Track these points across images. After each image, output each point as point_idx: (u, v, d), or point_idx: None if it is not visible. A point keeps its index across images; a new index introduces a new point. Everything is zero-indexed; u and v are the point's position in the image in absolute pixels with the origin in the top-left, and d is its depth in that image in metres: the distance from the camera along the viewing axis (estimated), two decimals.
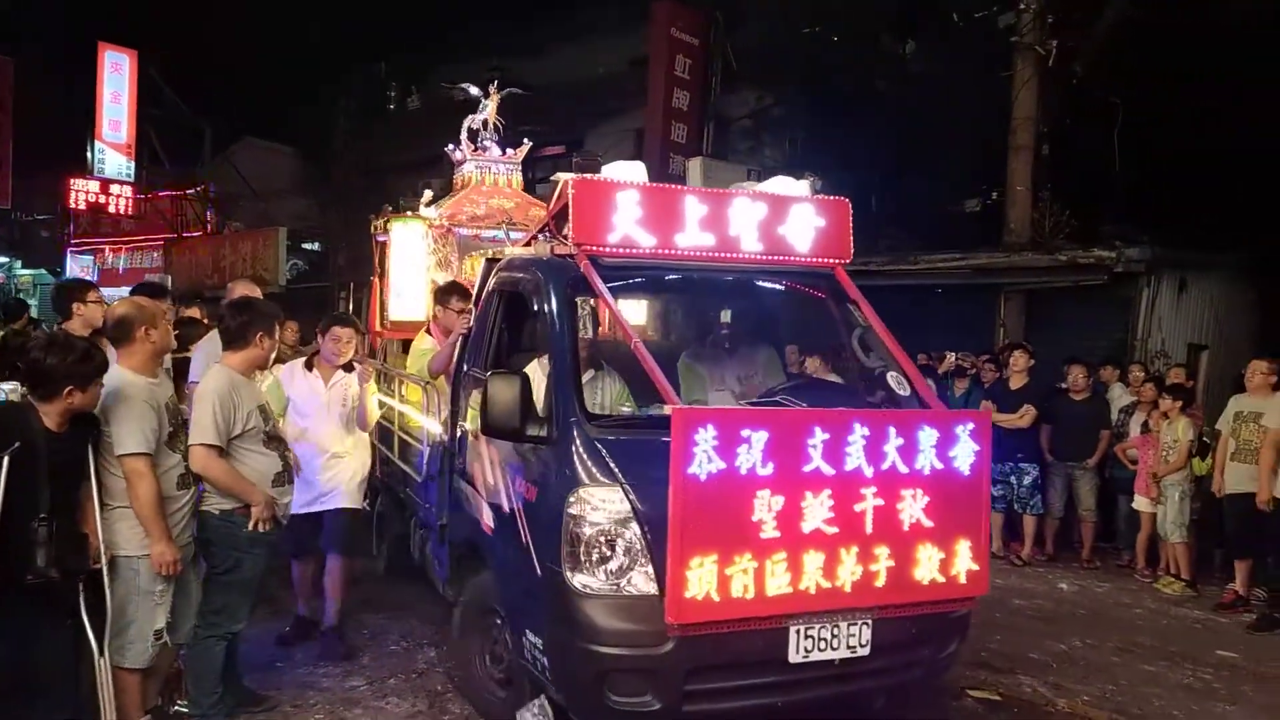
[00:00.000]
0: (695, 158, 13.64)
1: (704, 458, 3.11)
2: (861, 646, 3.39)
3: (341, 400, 5.21)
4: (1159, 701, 4.88)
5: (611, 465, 3.37)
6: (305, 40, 18.36)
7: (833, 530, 3.29)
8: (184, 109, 20.38)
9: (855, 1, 11.73)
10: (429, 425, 4.97)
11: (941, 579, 3.45)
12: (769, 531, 3.21)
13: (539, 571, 3.53)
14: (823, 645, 3.34)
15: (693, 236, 4.07)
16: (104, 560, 3.46)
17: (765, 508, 3.21)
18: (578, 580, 3.32)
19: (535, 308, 4.11)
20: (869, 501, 3.35)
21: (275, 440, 4.06)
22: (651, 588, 3.27)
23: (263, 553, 3.99)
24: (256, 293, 5.12)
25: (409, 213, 6.34)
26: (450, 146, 7.61)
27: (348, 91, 19.08)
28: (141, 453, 3.49)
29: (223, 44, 18.35)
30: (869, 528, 3.35)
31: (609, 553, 3.30)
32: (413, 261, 6.28)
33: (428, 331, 5.68)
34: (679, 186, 4.17)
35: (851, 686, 3.48)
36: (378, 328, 7.73)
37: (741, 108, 14.20)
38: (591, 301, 5.24)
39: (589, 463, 3.38)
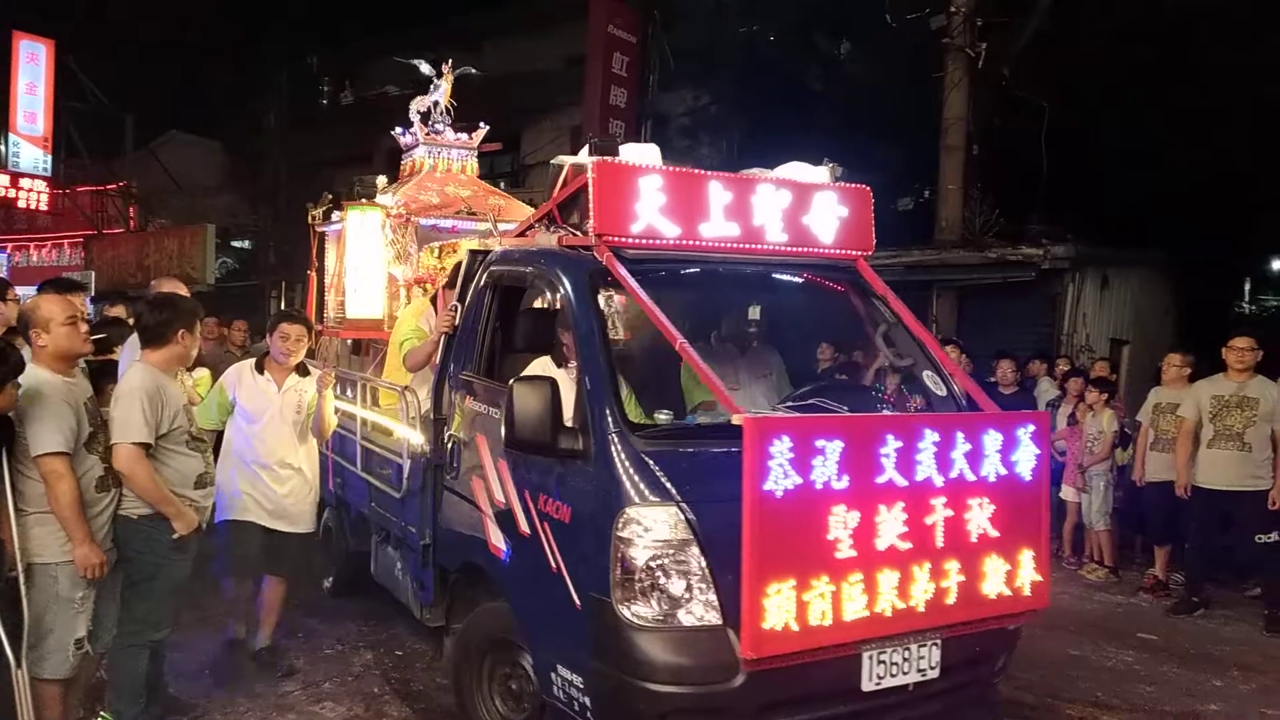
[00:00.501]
0: None
1: (780, 472, 2.81)
2: (931, 669, 3.17)
3: (295, 406, 4.76)
4: (1084, 684, 4.95)
5: (664, 482, 3.02)
6: (234, 33, 17.58)
7: (906, 546, 3.05)
8: (105, 102, 19.10)
9: (791, 1, 11.71)
10: (408, 435, 4.48)
11: (1008, 592, 3.27)
12: (845, 551, 2.94)
13: (577, 601, 3.16)
14: (894, 670, 3.10)
15: (717, 226, 3.78)
16: (20, 568, 3.32)
17: (841, 525, 2.93)
18: (631, 611, 2.96)
19: (550, 305, 3.71)
20: (939, 513, 3.13)
21: (198, 441, 3.91)
22: (714, 617, 2.95)
23: (187, 557, 3.85)
24: (182, 290, 4.81)
25: (363, 200, 5.75)
26: (398, 130, 7.05)
27: (278, 86, 18.32)
28: (60, 452, 3.35)
29: (147, 35, 17.53)
30: (940, 541, 3.13)
31: (666, 579, 2.95)
32: (370, 253, 5.70)
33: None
34: (703, 171, 3.85)
35: (920, 711, 3.26)
36: (317, 325, 7.13)
37: (679, 105, 14.17)
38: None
39: (638, 479, 3.03)
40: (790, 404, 3.87)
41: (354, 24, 17.22)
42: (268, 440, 4.71)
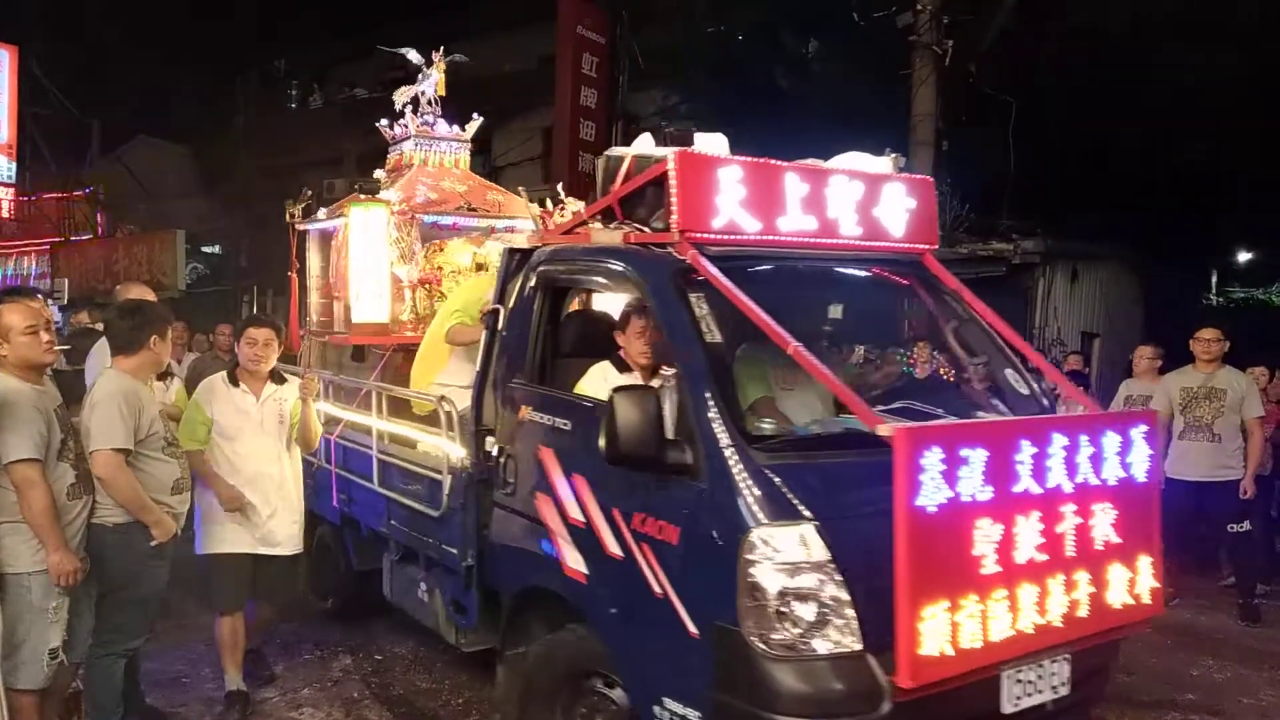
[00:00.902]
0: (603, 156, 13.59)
1: (932, 486, 2.60)
2: (1063, 685, 3.02)
3: (277, 417, 4.46)
4: None
5: (791, 499, 2.79)
6: (200, 37, 16.81)
7: (1043, 558, 2.89)
8: (70, 108, 18.36)
9: (760, 0, 11.64)
10: (449, 448, 4.13)
11: (1130, 600, 3.14)
12: (989, 566, 2.75)
13: (691, 629, 2.89)
14: (1031, 690, 2.94)
15: (795, 219, 3.56)
16: None
17: (985, 539, 2.75)
18: (762, 639, 2.71)
19: (628, 306, 3.43)
20: (1069, 521, 2.98)
21: (173, 446, 3.93)
22: (854, 642, 2.73)
23: (164, 565, 3.85)
24: (149, 296, 4.79)
25: (364, 195, 5.31)
26: (384, 122, 6.62)
27: (246, 90, 17.97)
28: (32, 459, 3.32)
29: (112, 40, 16.80)
30: (1070, 550, 2.98)
31: (801, 604, 2.72)
32: (375, 253, 5.28)
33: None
34: (779, 163, 3.62)
35: None
36: (299, 330, 6.64)
37: (649, 106, 14.04)
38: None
39: (764, 497, 2.78)
40: (880, 409, 3.68)
41: (322, 27, 16.66)
42: (250, 457, 4.40)
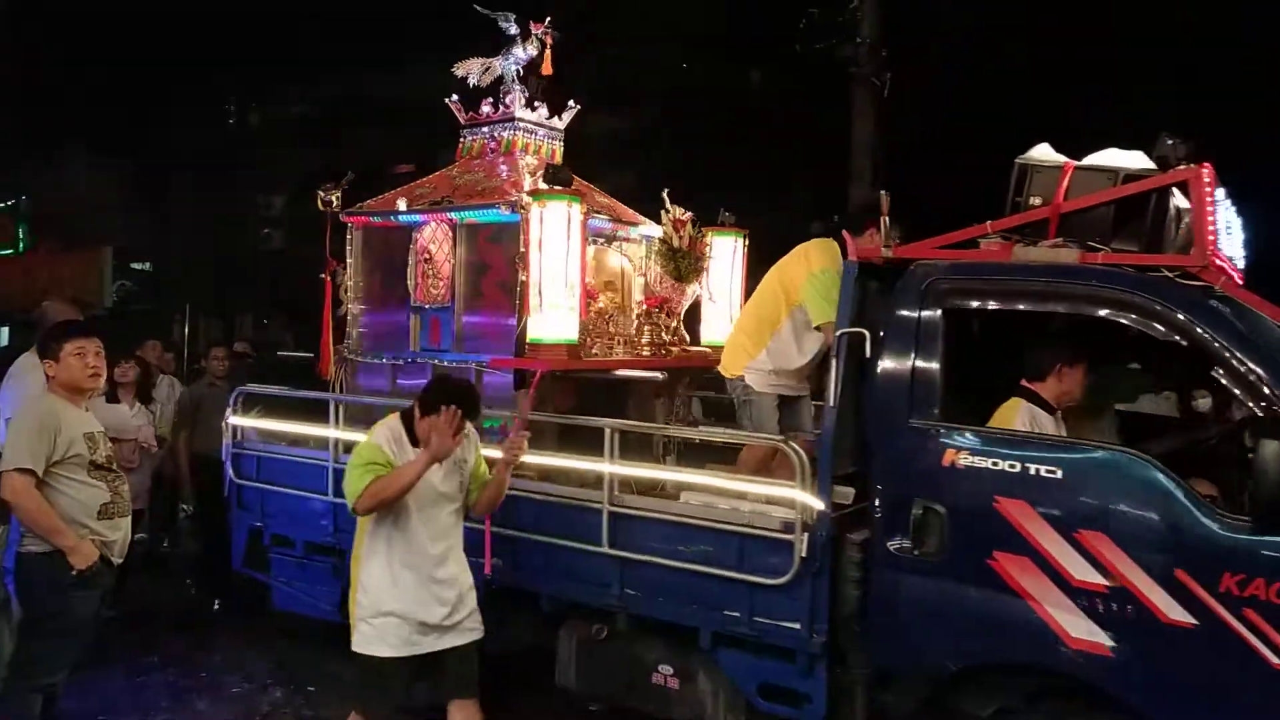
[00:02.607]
0: None
1: None
2: None
3: (459, 481, 3.59)
4: None
5: None
6: (134, 48, 14.05)
7: None
8: None
9: (703, 29, 11.42)
10: (808, 501, 3.39)
11: None
12: None
13: None
14: None
15: (1227, 242, 3.36)
16: None
17: None
18: None
19: (1159, 337, 2.97)
20: None
21: (102, 469, 3.71)
22: None
23: (93, 596, 3.65)
24: (73, 313, 4.79)
25: (551, 188, 4.27)
26: (455, 98, 5.51)
27: (184, 104, 15.50)
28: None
29: (41, 45, 14.18)
30: None
31: None
32: (560, 260, 4.27)
33: None
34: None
35: None
36: (347, 353, 5.36)
37: (594, 133, 13.17)
38: None
39: None
40: None
41: (267, 42, 14.47)
42: (432, 529, 3.48)
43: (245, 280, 14.87)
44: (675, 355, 5.18)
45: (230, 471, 5.41)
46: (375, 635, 3.40)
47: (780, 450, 3.72)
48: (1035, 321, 3.44)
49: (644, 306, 5.26)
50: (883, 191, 3.63)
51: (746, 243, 5.78)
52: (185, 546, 6.93)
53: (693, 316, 5.67)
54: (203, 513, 6.51)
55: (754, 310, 4.51)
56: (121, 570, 3.91)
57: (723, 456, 4.90)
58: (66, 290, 13.03)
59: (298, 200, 16.01)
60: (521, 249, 4.50)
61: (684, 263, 5.22)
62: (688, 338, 5.47)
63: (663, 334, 5.15)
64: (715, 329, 5.65)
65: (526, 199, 4.41)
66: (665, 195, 5.22)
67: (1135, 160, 3.34)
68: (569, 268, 4.29)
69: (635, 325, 5.10)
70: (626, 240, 5.45)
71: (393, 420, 3.58)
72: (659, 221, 5.20)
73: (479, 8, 5.32)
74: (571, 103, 5.65)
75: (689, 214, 5.24)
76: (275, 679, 4.98)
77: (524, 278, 4.41)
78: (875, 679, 3.41)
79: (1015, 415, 3.31)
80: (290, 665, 5.14)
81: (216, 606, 6.16)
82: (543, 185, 4.37)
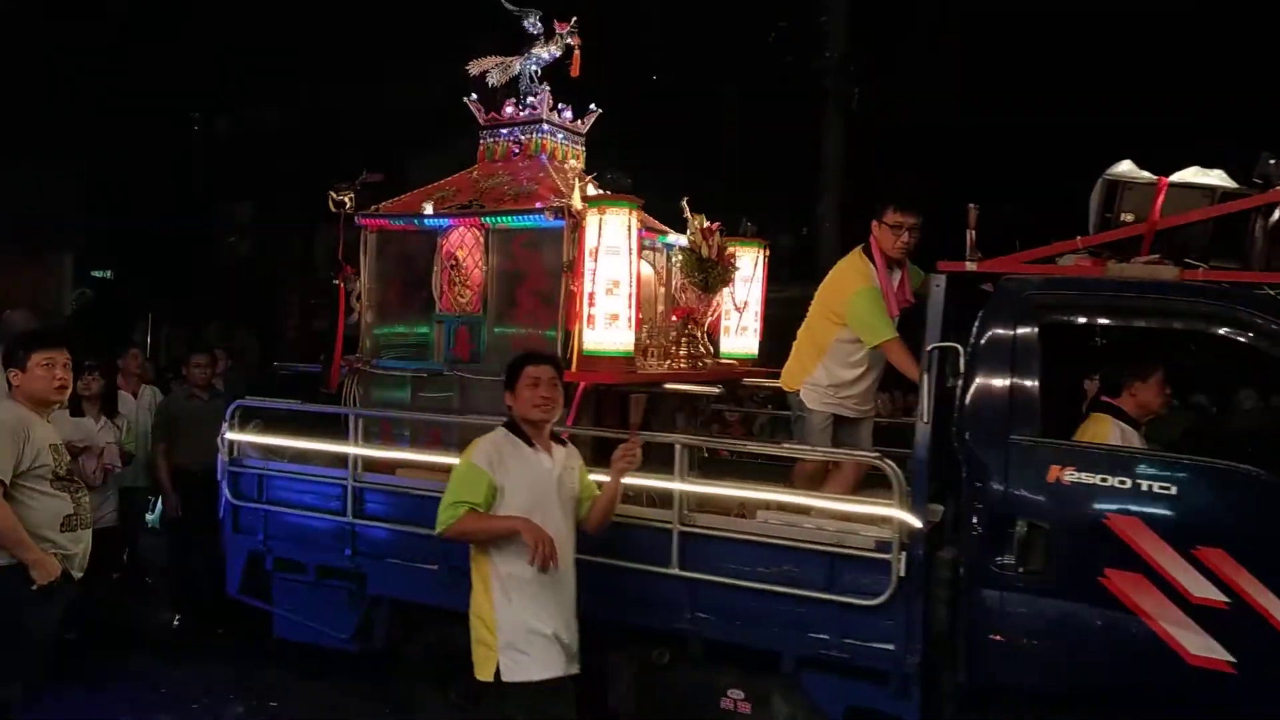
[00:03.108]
0: None
1: None
2: None
3: (571, 493, 3.49)
4: None
5: None
6: (97, 49, 13.22)
7: None
8: None
9: (674, 41, 11.40)
10: (905, 518, 3.32)
11: None
12: None
13: None
14: None
15: None
16: None
17: None
18: None
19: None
20: None
21: (64, 480, 3.70)
22: None
23: (52, 611, 3.62)
24: (33, 322, 4.82)
25: (613, 194, 4.09)
26: (474, 97, 5.28)
27: (146, 110, 14.37)
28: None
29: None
30: None
31: None
32: (621, 269, 4.09)
33: None
34: None
35: None
36: (360, 362, 5.07)
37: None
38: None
39: None
40: None
41: (230, 48, 13.76)
42: (561, 545, 3.33)
43: (211, 288, 14.23)
44: (710, 367, 5.07)
45: (227, 492, 5.04)
46: (528, 660, 3.19)
47: (831, 466, 3.66)
48: (1119, 337, 3.46)
49: (675, 318, 5.14)
50: (971, 205, 3.57)
51: (768, 253, 5.73)
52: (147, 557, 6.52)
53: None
54: (182, 530, 6.09)
55: (807, 327, 4.48)
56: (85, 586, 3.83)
57: (758, 471, 4.81)
58: (26, 299, 12.69)
59: (264, 207, 15.41)
60: (567, 257, 4.33)
61: (713, 273, 5.12)
62: (713, 349, 5.38)
63: (699, 346, 5.04)
64: (738, 342, 5.58)
65: (577, 205, 4.23)
66: (685, 204, 5.12)
67: (1217, 179, 3.39)
68: (629, 277, 4.13)
69: (673, 336, 4.97)
70: (652, 249, 5.32)
71: (497, 435, 3.38)
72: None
73: (508, 4, 5.11)
74: (593, 106, 5.49)
75: (717, 223, 5.14)
76: (237, 693, 4.92)
77: (572, 287, 4.24)
78: (971, 699, 3.35)
79: (1108, 430, 3.31)
80: (251, 675, 5.09)
81: (176, 622, 5.90)
82: (594, 191, 4.21)
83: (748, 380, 5.55)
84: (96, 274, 15.71)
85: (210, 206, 15.46)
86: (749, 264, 5.48)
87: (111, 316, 12.87)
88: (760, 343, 5.73)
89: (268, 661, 5.17)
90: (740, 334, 5.61)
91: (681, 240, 5.17)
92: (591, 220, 4.11)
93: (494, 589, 3.23)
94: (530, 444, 3.36)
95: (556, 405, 3.39)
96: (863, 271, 4.26)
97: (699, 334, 5.10)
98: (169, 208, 14.15)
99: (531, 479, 3.32)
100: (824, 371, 4.28)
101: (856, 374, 4.27)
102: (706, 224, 5.09)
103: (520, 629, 3.19)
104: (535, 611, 3.20)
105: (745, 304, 5.53)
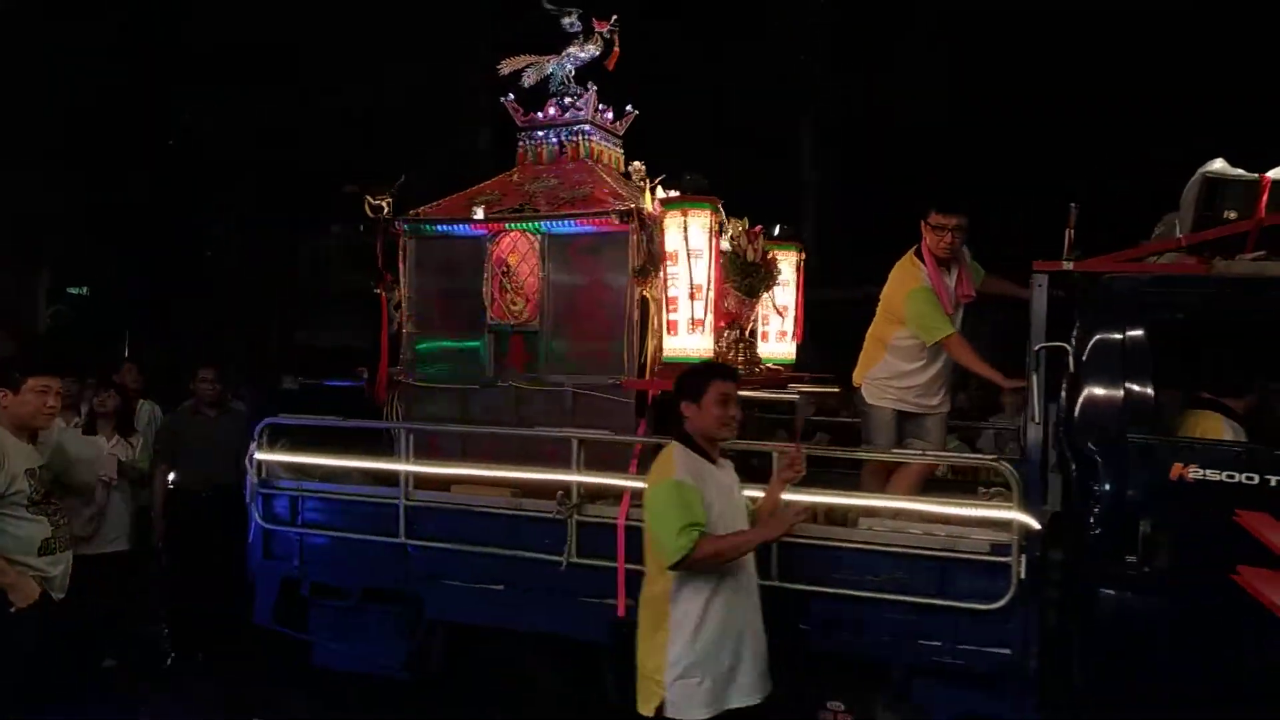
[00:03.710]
0: None
1: None
2: None
3: (744, 505, 3.37)
4: None
5: None
6: (76, 62, 12.75)
7: None
8: None
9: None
10: (1022, 519, 3.27)
11: None
12: None
13: None
14: None
15: None
16: None
17: None
18: None
19: None
20: None
21: (41, 504, 3.66)
22: None
23: (28, 634, 3.58)
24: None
25: (689, 196, 3.96)
26: (510, 97, 5.10)
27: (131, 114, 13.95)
28: None
29: None
30: None
31: None
32: (705, 272, 3.96)
33: None
34: None
35: None
36: (406, 375, 4.85)
37: None
38: None
39: None
40: None
41: (224, 44, 13.17)
42: (745, 560, 3.24)
43: (191, 304, 13.63)
44: (762, 373, 4.99)
45: (258, 515, 4.75)
46: (695, 696, 3.04)
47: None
48: (1220, 334, 3.48)
49: (722, 324, 5.05)
50: (1072, 204, 3.56)
51: (804, 256, 5.69)
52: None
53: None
54: (179, 556, 5.70)
55: (872, 328, 4.46)
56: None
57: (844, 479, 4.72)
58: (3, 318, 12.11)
59: (246, 220, 14.82)
60: (636, 262, 4.20)
61: (757, 277, 5.05)
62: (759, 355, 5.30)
63: (753, 352, 4.95)
64: (777, 347, 5.52)
65: (649, 208, 4.11)
66: (719, 207, 5.05)
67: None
68: (709, 280, 4.02)
69: (727, 343, 4.88)
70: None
71: (679, 451, 3.18)
72: None
73: (547, 4, 4.96)
74: (629, 108, 5.37)
75: (759, 226, 5.08)
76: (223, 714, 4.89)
77: (646, 293, 4.11)
78: (1090, 702, 3.32)
79: (1221, 428, 3.32)
80: (240, 692, 5.04)
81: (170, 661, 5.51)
82: (673, 194, 4.10)
83: (791, 386, 5.49)
84: (72, 290, 15.23)
85: (188, 221, 15.03)
86: (788, 268, 5.42)
87: (88, 334, 12.30)
88: (798, 346, 5.70)
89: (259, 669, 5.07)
90: (780, 339, 5.55)
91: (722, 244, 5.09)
92: (672, 223, 4.00)
93: (669, 622, 3.08)
94: (709, 459, 3.23)
95: (738, 424, 3.29)
96: (914, 273, 4.26)
97: (752, 340, 5.03)
98: (146, 223, 13.67)
99: (718, 494, 3.18)
100: (884, 365, 4.31)
101: (916, 366, 4.26)
102: (747, 227, 5.03)
103: (693, 664, 3.04)
104: (709, 646, 3.05)
105: (785, 308, 5.49)
